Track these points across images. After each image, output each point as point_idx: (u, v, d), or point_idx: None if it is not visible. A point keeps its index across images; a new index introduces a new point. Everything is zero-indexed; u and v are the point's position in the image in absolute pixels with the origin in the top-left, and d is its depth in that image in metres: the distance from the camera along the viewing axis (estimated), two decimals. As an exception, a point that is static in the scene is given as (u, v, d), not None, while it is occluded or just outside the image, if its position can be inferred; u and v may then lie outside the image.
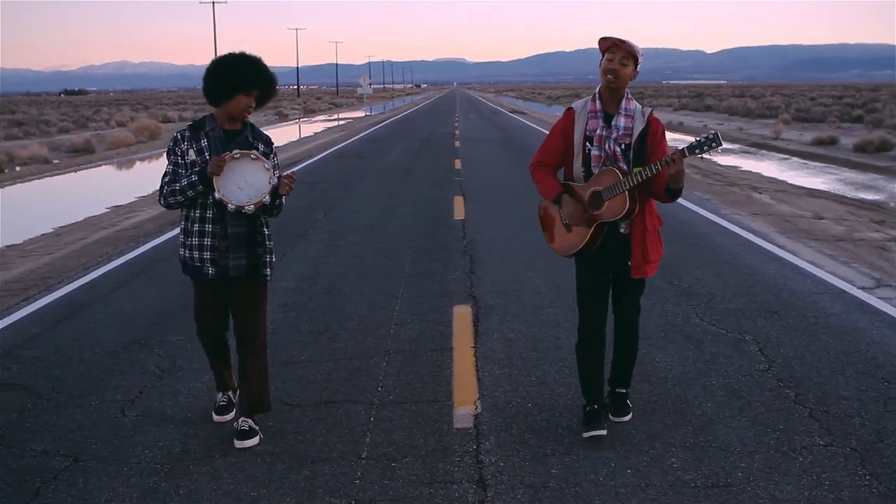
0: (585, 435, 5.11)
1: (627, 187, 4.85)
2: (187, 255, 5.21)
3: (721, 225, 12.61)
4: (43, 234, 14.40)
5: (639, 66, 5.00)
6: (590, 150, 5.02)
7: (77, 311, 8.36)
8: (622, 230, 5.05)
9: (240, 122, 5.20)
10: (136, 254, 11.35)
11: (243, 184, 5.00)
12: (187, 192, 5.02)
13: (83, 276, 10.01)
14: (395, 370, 6.40)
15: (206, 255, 5.13)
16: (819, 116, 46.30)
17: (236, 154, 4.98)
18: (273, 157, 5.23)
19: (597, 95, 5.08)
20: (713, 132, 4.73)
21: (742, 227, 12.35)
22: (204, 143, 5.11)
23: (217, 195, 4.97)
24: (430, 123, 48.30)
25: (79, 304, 8.61)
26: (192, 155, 5.09)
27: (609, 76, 4.92)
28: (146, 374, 6.47)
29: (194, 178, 4.98)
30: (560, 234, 5.23)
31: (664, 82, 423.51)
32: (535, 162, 5.30)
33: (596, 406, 5.23)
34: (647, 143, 4.97)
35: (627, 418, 5.39)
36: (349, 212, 14.53)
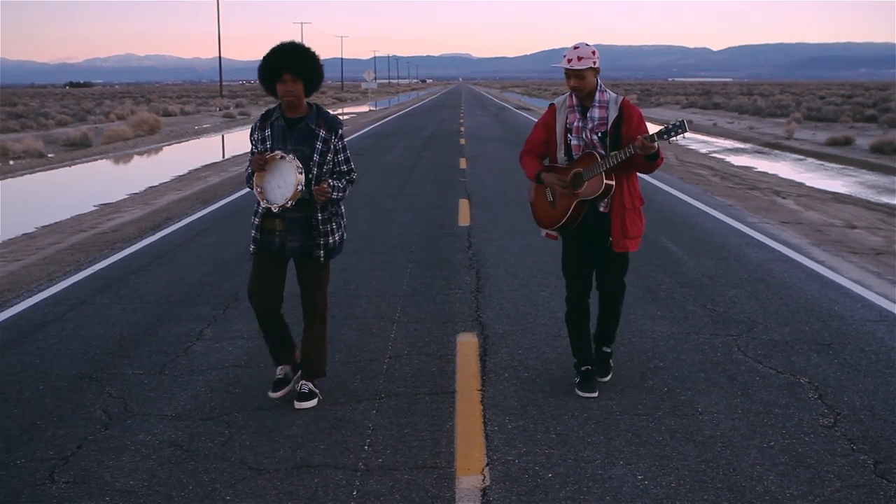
0: (580, 394, 5.72)
1: (604, 168, 5.41)
2: (253, 232, 5.55)
3: (750, 235, 11.53)
4: (24, 234, 13.46)
5: (596, 64, 5.46)
6: (570, 140, 5.60)
7: (28, 334, 7.31)
8: (601, 208, 5.58)
9: (302, 109, 5.44)
10: (108, 262, 10.27)
11: (282, 182, 5.29)
12: (251, 179, 5.44)
13: (46, 289, 8.96)
14: (386, 421, 5.33)
15: (256, 234, 5.51)
16: (831, 116, 45.12)
17: (277, 155, 5.28)
18: (338, 141, 5.48)
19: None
20: (680, 119, 5.32)
21: (773, 239, 11.28)
22: (268, 132, 5.46)
23: (256, 190, 5.35)
24: (435, 120, 47.20)
25: (32, 326, 7.55)
26: (259, 144, 5.49)
27: (575, 90, 5.53)
28: (90, 421, 5.42)
29: (250, 169, 5.43)
30: (545, 212, 5.80)
31: (670, 79, 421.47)
32: (523, 151, 5.92)
33: (589, 367, 5.86)
34: (623, 129, 5.46)
35: (607, 378, 5.94)
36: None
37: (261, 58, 5.43)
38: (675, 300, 8.08)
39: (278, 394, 5.68)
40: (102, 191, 19.01)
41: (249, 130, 5.64)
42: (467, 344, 6.83)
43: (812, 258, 10.05)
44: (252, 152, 5.51)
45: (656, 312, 7.68)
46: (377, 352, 6.67)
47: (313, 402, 5.58)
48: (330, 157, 5.43)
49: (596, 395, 5.67)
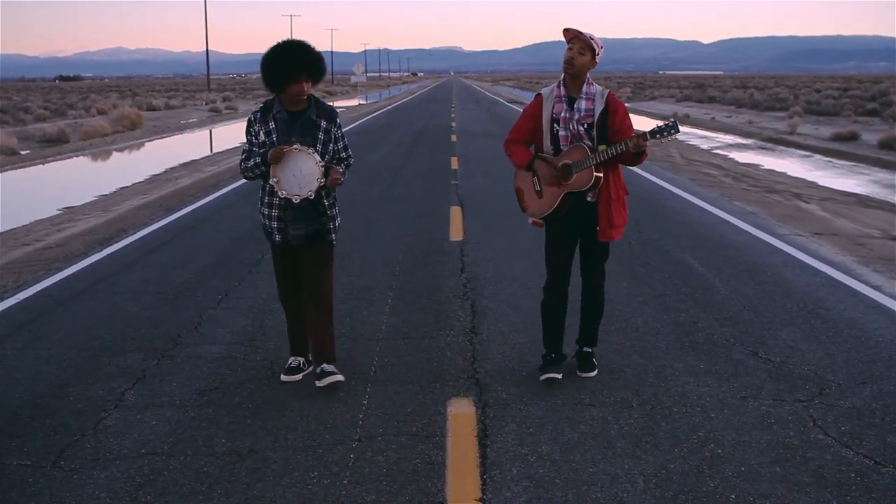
0: (542, 377, 5.76)
1: (594, 162, 5.45)
2: (262, 221, 5.70)
3: (785, 252, 9.99)
4: (-29, 246, 11.90)
5: (597, 57, 5.51)
6: (557, 130, 5.61)
7: None
8: (589, 198, 5.61)
9: (303, 102, 5.54)
10: (38, 289, 8.67)
11: (298, 173, 5.38)
12: (255, 170, 5.55)
13: (-47, 326, 7.40)
14: (348, 558, 3.79)
15: (274, 223, 5.62)
16: (831, 109, 43.62)
17: (295, 148, 5.39)
18: (337, 130, 5.64)
19: (561, 82, 5.64)
20: (672, 120, 5.44)
21: (812, 255, 9.75)
22: (272, 125, 5.53)
23: (272, 181, 5.43)
24: (426, 114, 45.55)
25: (-86, 383, 5.99)
26: (262, 136, 5.55)
27: (566, 64, 5.51)
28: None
29: (258, 159, 5.50)
30: (532, 201, 5.81)
31: (661, 73, 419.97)
32: (507, 140, 5.90)
33: (554, 354, 5.89)
34: (609, 121, 5.52)
35: (594, 374, 5.88)
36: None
37: (263, 52, 5.48)
38: (718, 345, 6.56)
39: (290, 378, 5.87)
40: (70, 192, 17.54)
41: (246, 123, 5.67)
42: (461, 417, 5.25)
43: (865, 282, 8.53)
44: (250, 143, 5.60)
45: (698, 365, 6.13)
46: (343, 429, 5.10)
47: (339, 377, 5.71)
48: (331, 146, 5.59)
49: (560, 376, 5.77)
